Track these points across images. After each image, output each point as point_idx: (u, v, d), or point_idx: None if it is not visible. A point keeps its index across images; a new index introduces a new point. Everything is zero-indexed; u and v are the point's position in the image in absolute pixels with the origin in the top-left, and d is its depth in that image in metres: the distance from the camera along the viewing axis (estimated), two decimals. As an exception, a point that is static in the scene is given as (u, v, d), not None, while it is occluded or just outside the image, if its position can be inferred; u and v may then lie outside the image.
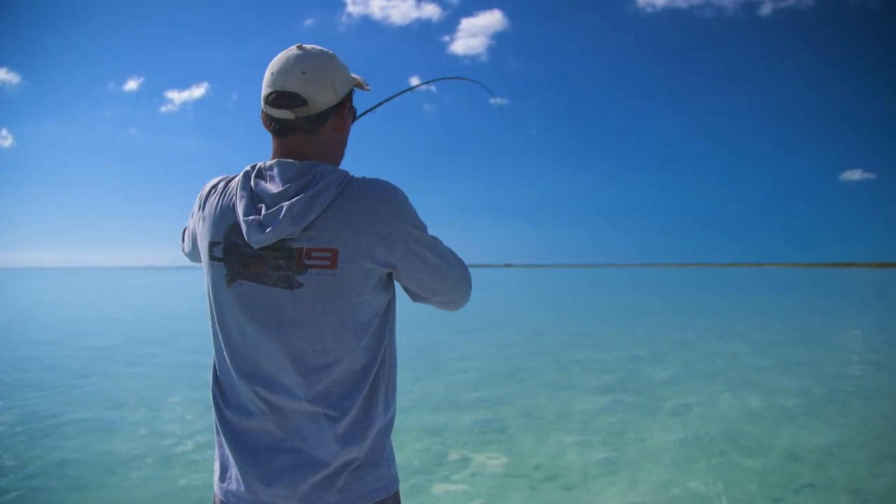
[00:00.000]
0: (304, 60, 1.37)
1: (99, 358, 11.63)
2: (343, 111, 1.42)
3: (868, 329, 17.32)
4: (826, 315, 22.10)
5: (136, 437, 6.23)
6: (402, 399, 7.84)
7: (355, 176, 1.36)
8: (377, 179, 1.35)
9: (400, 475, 1.46)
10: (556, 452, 5.71)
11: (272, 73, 1.37)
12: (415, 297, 1.47)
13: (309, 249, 1.29)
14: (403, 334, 15.83)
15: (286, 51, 1.40)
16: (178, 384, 8.92)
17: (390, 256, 1.34)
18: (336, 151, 1.45)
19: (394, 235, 1.32)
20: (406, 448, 5.76)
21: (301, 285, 1.30)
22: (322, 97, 1.36)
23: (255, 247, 1.30)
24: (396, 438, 6.48)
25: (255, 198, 1.33)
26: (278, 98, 1.35)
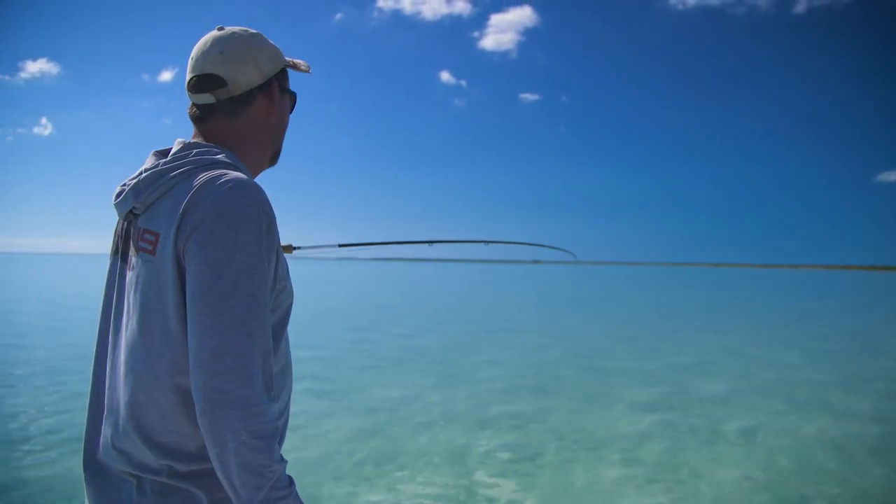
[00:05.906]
0: (223, 40, 1.25)
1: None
2: (272, 92, 1.28)
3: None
4: (876, 321, 20.66)
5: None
6: (421, 412, 6.96)
7: (231, 172, 1.13)
8: (238, 183, 1.10)
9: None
10: (598, 491, 4.76)
11: (192, 58, 1.26)
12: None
13: (143, 230, 1.17)
14: (423, 333, 14.88)
15: (207, 34, 1.29)
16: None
17: (184, 257, 1.09)
18: (262, 138, 1.30)
19: (198, 233, 1.06)
20: (420, 477, 4.87)
21: (133, 268, 1.20)
22: (243, 76, 1.24)
23: (119, 213, 1.25)
24: (407, 463, 5.35)
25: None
26: (198, 82, 1.24)
